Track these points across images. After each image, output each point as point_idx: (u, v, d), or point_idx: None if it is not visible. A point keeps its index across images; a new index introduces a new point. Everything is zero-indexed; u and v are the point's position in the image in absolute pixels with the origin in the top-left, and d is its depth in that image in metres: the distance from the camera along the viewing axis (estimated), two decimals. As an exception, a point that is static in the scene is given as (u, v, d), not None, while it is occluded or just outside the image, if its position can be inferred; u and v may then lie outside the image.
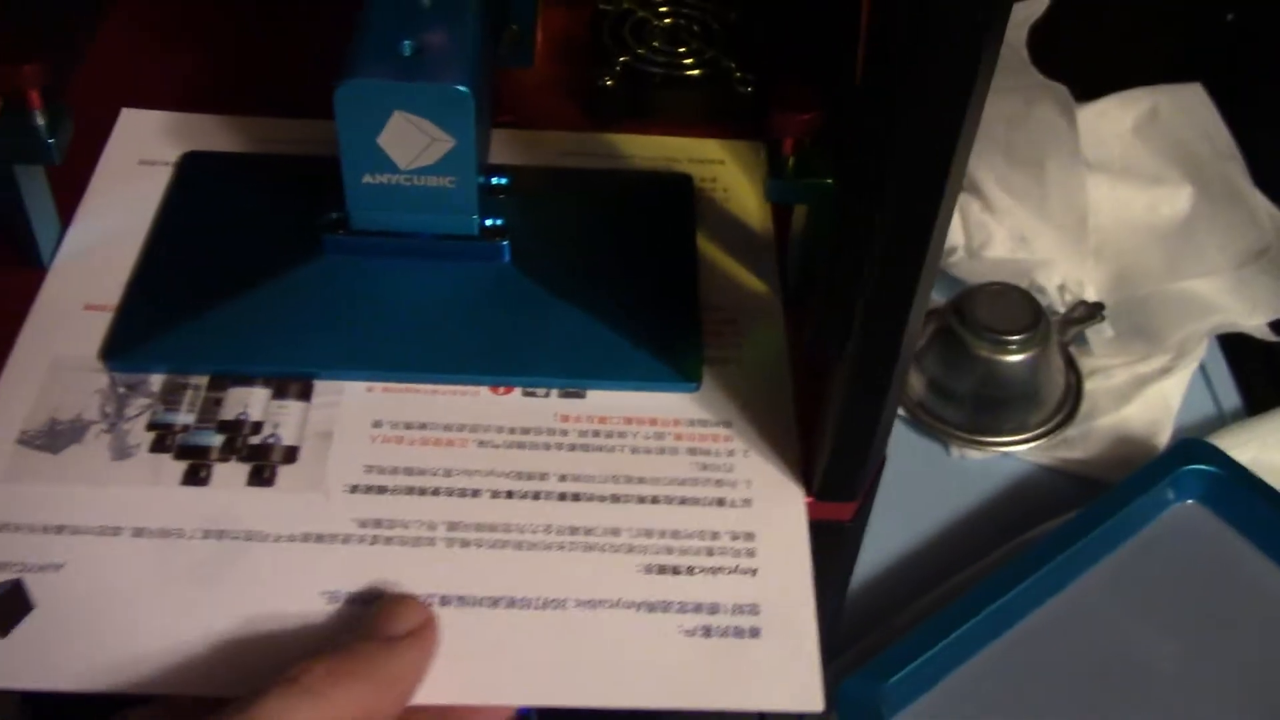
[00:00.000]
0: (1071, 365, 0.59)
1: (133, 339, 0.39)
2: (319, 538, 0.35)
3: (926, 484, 0.56)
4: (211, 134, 0.46)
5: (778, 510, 0.37)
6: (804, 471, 0.38)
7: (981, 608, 0.48)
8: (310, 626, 0.34)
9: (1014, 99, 0.61)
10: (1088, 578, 0.51)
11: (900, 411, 0.58)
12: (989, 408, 0.57)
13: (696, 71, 0.48)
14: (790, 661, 0.34)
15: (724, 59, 0.49)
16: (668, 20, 0.50)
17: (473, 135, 0.38)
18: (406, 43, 0.38)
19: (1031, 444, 0.57)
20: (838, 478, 0.37)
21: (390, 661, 0.32)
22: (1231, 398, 0.60)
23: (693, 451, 0.38)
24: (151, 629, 0.34)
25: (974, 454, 0.57)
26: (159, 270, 0.41)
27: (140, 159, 0.45)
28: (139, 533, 0.35)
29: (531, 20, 0.47)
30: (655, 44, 0.49)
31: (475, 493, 0.37)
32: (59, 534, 0.35)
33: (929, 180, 0.30)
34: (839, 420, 0.36)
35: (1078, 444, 0.57)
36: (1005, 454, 0.57)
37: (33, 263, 0.41)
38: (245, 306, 0.39)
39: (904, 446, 0.57)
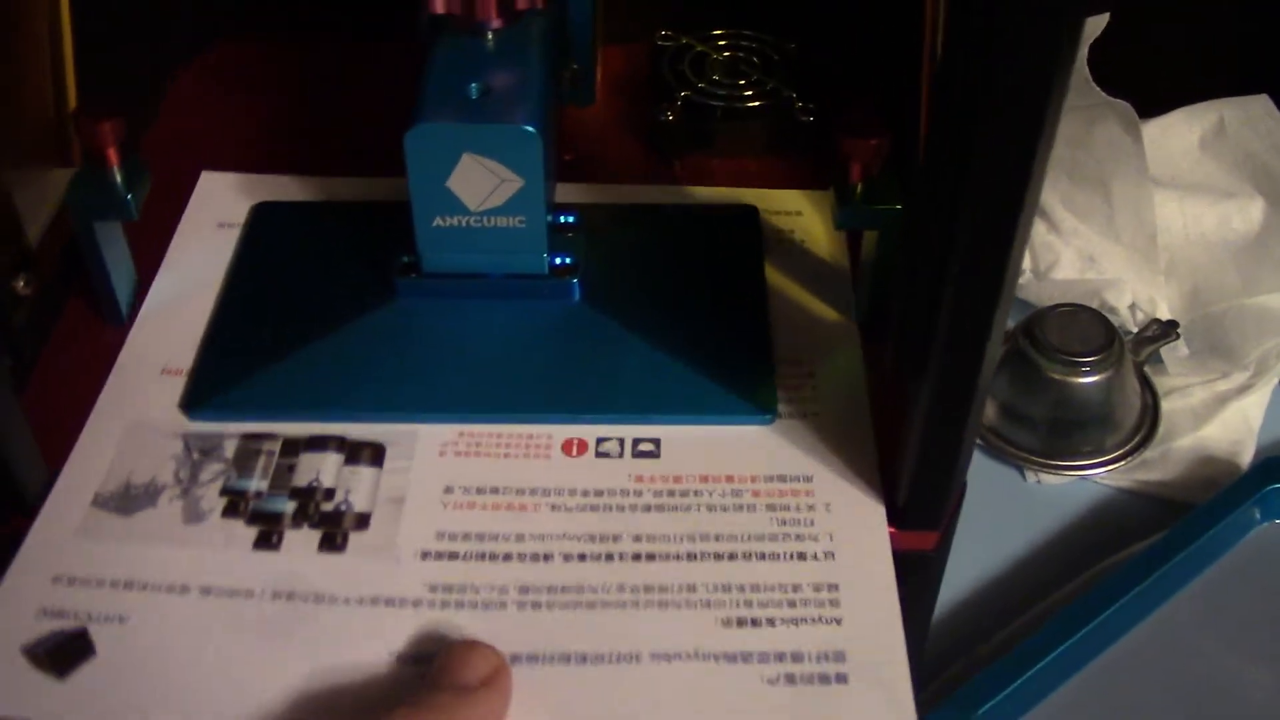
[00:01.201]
0: (1147, 385, 0.58)
1: (211, 390, 0.39)
2: (389, 601, 0.35)
3: (1004, 511, 0.55)
4: (287, 193, 0.46)
5: (862, 559, 0.36)
6: (889, 512, 0.37)
7: (1067, 636, 0.47)
8: (378, 686, 0.34)
9: (1077, 119, 0.60)
10: (1174, 603, 0.50)
11: (973, 437, 0.57)
12: (1064, 431, 0.56)
13: (757, 103, 0.49)
14: (882, 707, 0.33)
15: (784, 89, 0.49)
16: (726, 53, 0.50)
17: (541, 174, 0.38)
18: (473, 85, 0.38)
19: (1109, 467, 0.56)
20: (920, 506, 0.37)
21: (468, 711, 0.32)
22: (1314, 414, 0.58)
23: (771, 508, 0.37)
24: (214, 682, 0.33)
25: (1050, 479, 0.56)
26: (234, 322, 0.42)
27: (219, 222, 0.45)
28: (207, 591, 0.35)
29: (591, 58, 0.47)
30: (715, 77, 0.49)
31: (548, 556, 0.36)
32: (127, 590, 0.35)
33: (1006, 205, 0.30)
34: (920, 448, 0.35)
35: (1157, 466, 0.56)
36: (1083, 478, 0.56)
37: (112, 319, 0.42)
38: (321, 354, 0.40)
39: (979, 473, 0.56)
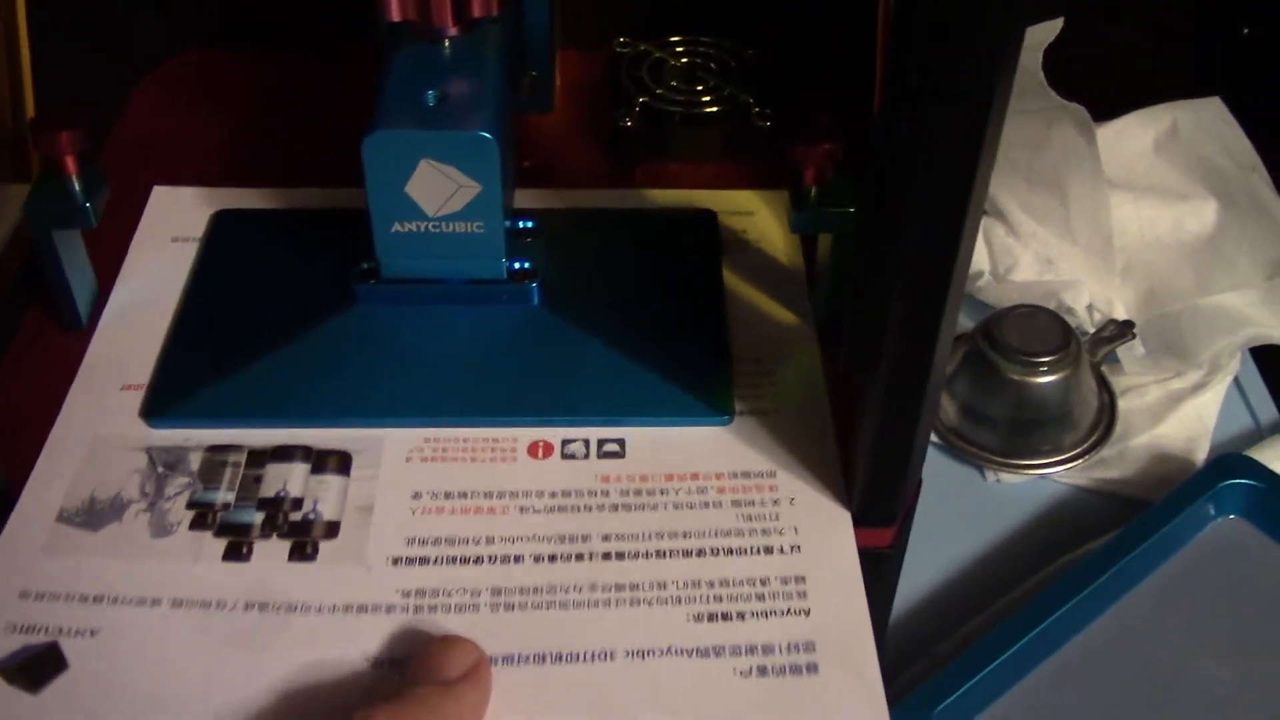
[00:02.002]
0: (1104, 385, 0.59)
1: (171, 398, 0.40)
2: (362, 608, 0.35)
3: (964, 510, 0.56)
4: (242, 205, 0.46)
5: (827, 550, 0.37)
6: (847, 503, 0.38)
7: (1026, 632, 0.48)
8: (354, 692, 0.34)
9: (1033, 122, 0.61)
10: (1131, 598, 0.51)
11: (934, 437, 0.58)
12: (1023, 431, 0.57)
13: (715, 109, 0.49)
14: (853, 691, 0.34)
15: (742, 94, 0.49)
16: (684, 59, 0.51)
17: (498, 180, 0.38)
18: (430, 92, 0.39)
19: (1067, 465, 0.57)
20: (874, 502, 0.37)
21: (451, 704, 0.32)
22: (1268, 410, 0.59)
23: (736, 503, 0.38)
24: (188, 694, 0.33)
25: (1010, 478, 0.57)
26: (194, 330, 0.42)
27: (173, 236, 0.45)
28: (178, 603, 0.35)
29: (550, 66, 0.47)
30: (673, 83, 0.50)
31: (518, 558, 0.36)
32: (97, 604, 0.35)
33: (952, 203, 0.30)
34: (872, 448, 0.36)
35: (1114, 464, 0.57)
36: (1041, 476, 0.57)
37: (72, 325, 0.42)
38: (280, 360, 0.40)
39: (939, 472, 0.57)
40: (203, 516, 0.37)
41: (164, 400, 0.39)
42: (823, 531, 0.37)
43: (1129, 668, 0.49)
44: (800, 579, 0.36)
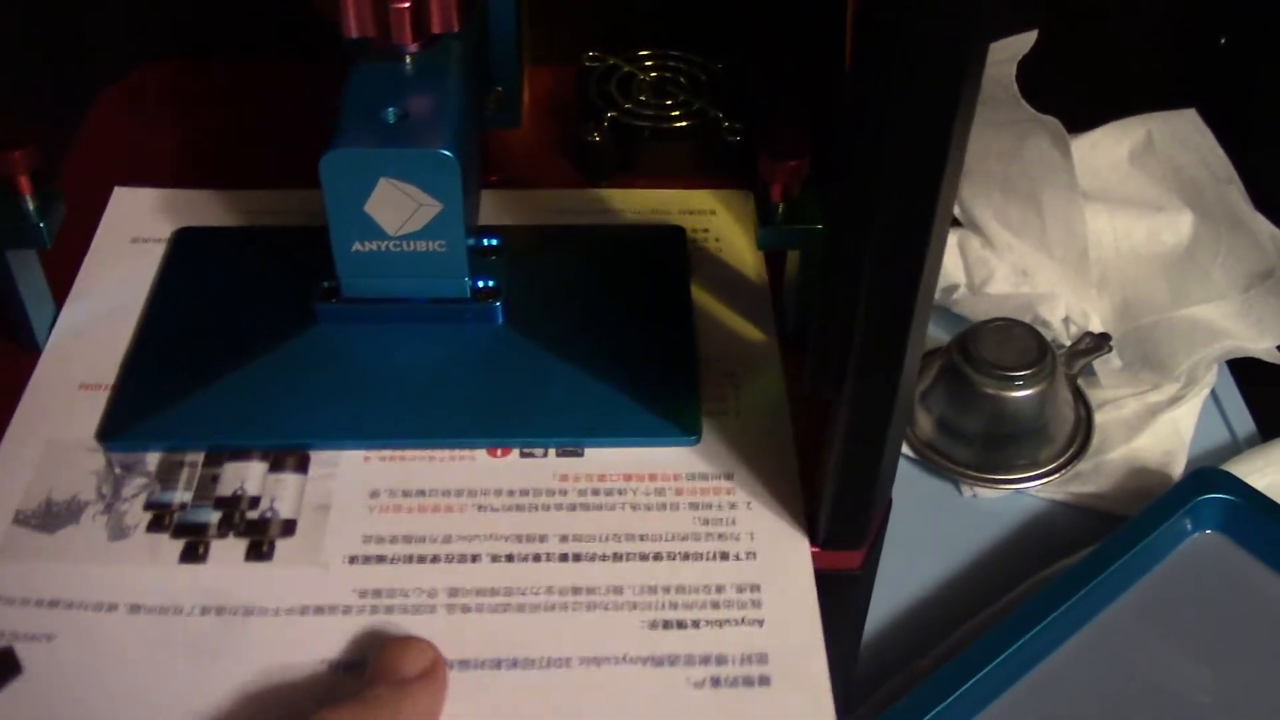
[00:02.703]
0: (1080, 398, 0.58)
1: (129, 419, 0.39)
2: (319, 609, 0.35)
3: (940, 525, 0.55)
4: (204, 209, 0.46)
5: (783, 560, 0.37)
6: (808, 519, 0.37)
7: (1003, 649, 0.47)
8: (312, 694, 0.34)
9: (1007, 134, 0.60)
10: (1109, 614, 0.50)
11: (909, 452, 0.57)
12: (999, 445, 0.57)
13: (684, 123, 0.49)
14: (803, 708, 0.34)
15: (711, 109, 0.49)
16: (654, 74, 0.50)
17: (460, 198, 0.38)
18: (390, 110, 0.38)
19: (1044, 480, 0.56)
20: (842, 525, 0.37)
21: (407, 703, 0.32)
22: (1245, 424, 0.59)
23: (694, 506, 0.38)
24: (145, 700, 0.33)
25: (986, 493, 0.56)
26: (154, 349, 0.41)
27: (133, 237, 0.45)
28: (135, 609, 0.35)
29: (517, 81, 0.47)
30: (642, 97, 0.49)
31: (475, 558, 0.36)
32: (52, 608, 0.35)
33: (915, 220, 0.30)
34: (839, 467, 0.35)
35: (1091, 478, 0.56)
36: (1018, 491, 0.56)
37: (28, 346, 0.41)
38: (240, 381, 0.39)
39: (915, 488, 0.56)
40: (159, 518, 0.37)
41: (120, 422, 0.39)
42: (778, 540, 0.37)
43: (1107, 683, 0.48)
44: (755, 587, 0.36)
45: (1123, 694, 0.48)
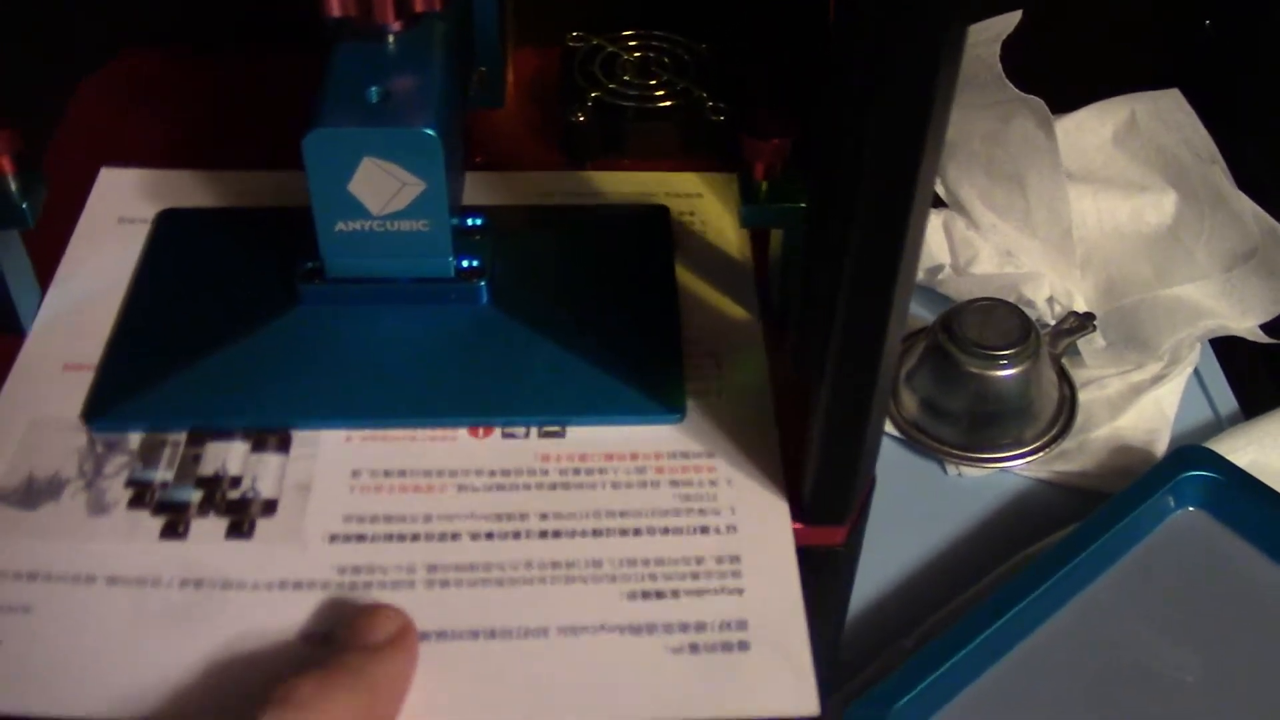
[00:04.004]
0: (1064, 377, 0.59)
1: (113, 399, 0.39)
2: (297, 585, 0.35)
3: (925, 504, 0.56)
4: (190, 189, 0.46)
5: (763, 532, 0.37)
6: (790, 493, 0.38)
7: (987, 625, 0.48)
8: (285, 666, 0.34)
9: (991, 115, 0.61)
10: (1092, 590, 0.51)
11: (895, 432, 0.58)
12: (984, 424, 0.57)
13: (669, 103, 0.49)
14: (782, 669, 0.34)
15: (695, 89, 0.49)
16: (638, 54, 0.50)
17: (443, 178, 0.38)
18: (373, 89, 0.38)
19: (1028, 459, 0.57)
20: (825, 501, 0.37)
21: (377, 668, 0.32)
22: (1228, 402, 0.59)
23: (675, 483, 0.38)
24: (121, 670, 0.33)
25: (971, 471, 0.57)
26: (138, 329, 0.41)
27: (120, 217, 0.45)
28: (113, 581, 0.35)
29: (500, 62, 0.47)
30: (626, 78, 0.49)
31: (455, 536, 0.37)
32: (31, 580, 0.35)
33: (896, 198, 0.30)
34: (822, 443, 0.35)
35: (1075, 456, 0.57)
36: (1002, 470, 0.57)
37: (13, 329, 0.41)
38: (224, 361, 0.39)
39: (900, 467, 0.57)
40: (141, 495, 0.37)
41: (104, 403, 0.39)
42: (759, 514, 0.37)
43: (1091, 660, 0.49)
44: (735, 559, 0.36)
45: (1106, 670, 0.49)
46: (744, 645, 0.35)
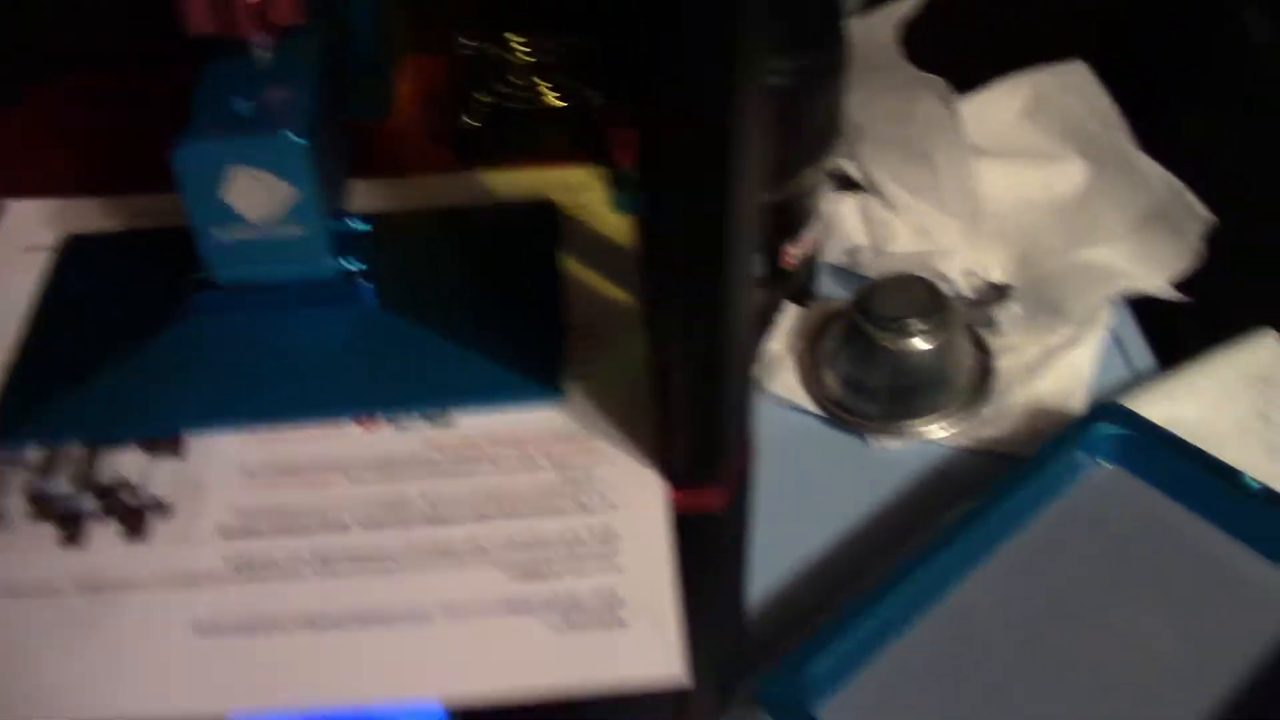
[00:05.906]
0: (980, 346, 0.60)
1: (11, 420, 0.41)
2: (192, 580, 0.37)
3: (847, 479, 0.56)
4: (94, 215, 0.47)
5: (641, 508, 0.38)
6: (665, 463, 0.39)
7: (902, 585, 0.48)
8: (181, 660, 0.35)
9: (894, 97, 0.62)
10: (1008, 548, 0.51)
11: (817, 410, 0.59)
12: (903, 397, 0.58)
13: (559, 105, 0.50)
14: (653, 641, 0.35)
15: (585, 89, 0.50)
16: (528, 57, 0.52)
17: (315, 183, 0.39)
18: (241, 101, 0.40)
19: (948, 428, 0.58)
20: (693, 460, 0.38)
21: None
22: (1145, 360, 0.60)
23: (558, 466, 0.39)
24: (17, 676, 0.35)
25: (892, 443, 0.58)
26: (37, 350, 0.43)
27: (26, 246, 0.46)
28: (14, 593, 0.36)
29: (382, 70, 0.48)
30: (517, 81, 0.51)
31: (345, 527, 0.38)
32: None
33: (711, 172, 0.31)
34: (681, 403, 0.36)
35: (993, 422, 0.57)
36: (923, 440, 0.58)
37: None
38: (119, 374, 0.41)
39: (822, 442, 0.58)
40: (40, 508, 0.39)
41: (3, 424, 0.40)
42: (637, 489, 0.39)
43: (1008, 615, 0.49)
44: (615, 537, 0.38)
45: (1026, 625, 0.49)
46: (622, 623, 0.36)
